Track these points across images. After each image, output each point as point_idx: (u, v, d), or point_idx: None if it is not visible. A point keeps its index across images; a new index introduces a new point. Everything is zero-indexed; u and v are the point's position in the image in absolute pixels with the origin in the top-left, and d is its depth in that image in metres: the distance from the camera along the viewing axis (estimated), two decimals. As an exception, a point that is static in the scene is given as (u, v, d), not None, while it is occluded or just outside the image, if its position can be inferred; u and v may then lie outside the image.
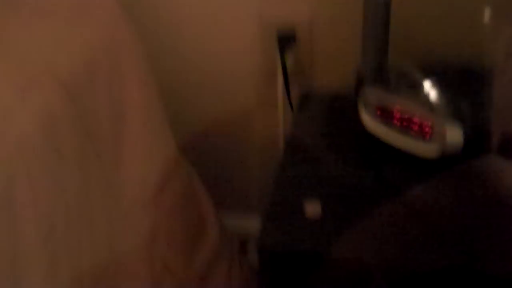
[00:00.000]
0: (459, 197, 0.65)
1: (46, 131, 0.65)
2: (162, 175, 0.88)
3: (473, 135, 0.68)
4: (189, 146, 0.99)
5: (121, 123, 0.79)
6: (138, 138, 0.83)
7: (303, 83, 1.02)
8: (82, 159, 0.71)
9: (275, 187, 0.77)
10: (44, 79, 0.68)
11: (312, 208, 0.71)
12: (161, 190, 0.87)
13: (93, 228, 0.72)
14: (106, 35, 0.82)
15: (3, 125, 0.62)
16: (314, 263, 0.68)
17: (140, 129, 0.83)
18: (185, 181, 0.93)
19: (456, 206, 0.64)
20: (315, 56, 1.01)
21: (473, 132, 0.68)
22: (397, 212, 0.68)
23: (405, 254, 0.64)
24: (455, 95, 0.72)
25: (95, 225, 0.72)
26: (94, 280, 0.70)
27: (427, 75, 0.75)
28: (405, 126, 0.72)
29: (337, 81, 0.97)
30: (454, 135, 0.68)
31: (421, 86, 0.74)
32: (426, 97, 0.72)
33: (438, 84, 0.73)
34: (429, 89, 0.73)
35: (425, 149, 0.71)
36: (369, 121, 0.76)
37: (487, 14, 0.76)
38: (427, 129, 0.70)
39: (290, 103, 1.02)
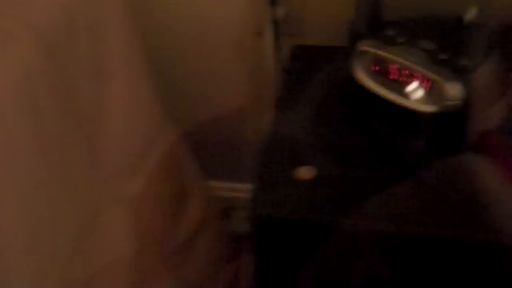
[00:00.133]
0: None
1: (22, 90, 0.60)
2: (146, 139, 0.83)
3: (471, 93, 0.66)
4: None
5: (103, 81, 0.74)
6: (120, 99, 0.78)
7: (294, 38, 0.96)
8: (62, 120, 0.65)
9: (266, 151, 0.73)
10: (20, 32, 0.62)
11: (305, 172, 0.68)
12: (145, 155, 0.83)
13: (76, 196, 0.67)
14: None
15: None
16: (308, 230, 0.67)
17: (123, 89, 0.78)
18: (169, 147, 0.88)
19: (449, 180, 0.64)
20: (307, 9, 0.95)
21: (471, 90, 0.66)
22: (393, 176, 0.66)
23: (398, 220, 0.63)
24: (453, 50, 0.69)
25: (78, 193, 0.68)
26: (75, 246, 0.66)
27: (424, 30, 0.73)
28: (403, 81, 0.69)
29: (330, 35, 0.92)
30: (453, 90, 0.65)
31: (418, 41, 0.71)
32: (423, 52, 0.69)
33: (436, 39, 0.71)
34: (427, 44, 0.70)
35: (423, 104, 0.68)
36: (364, 77, 0.72)
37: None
38: (425, 84, 0.67)
39: (281, 59, 0.97)
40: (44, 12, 0.65)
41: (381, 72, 0.71)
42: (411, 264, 0.63)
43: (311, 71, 0.85)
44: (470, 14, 0.74)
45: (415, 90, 0.68)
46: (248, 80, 1.02)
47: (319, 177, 0.68)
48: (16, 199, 0.57)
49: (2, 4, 0.64)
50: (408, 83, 0.69)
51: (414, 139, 0.70)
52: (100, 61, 0.72)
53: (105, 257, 0.72)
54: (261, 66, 0.99)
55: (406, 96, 0.69)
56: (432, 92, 0.67)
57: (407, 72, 0.68)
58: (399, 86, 0.69)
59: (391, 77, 0.70)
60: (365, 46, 0.72)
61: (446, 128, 0.68)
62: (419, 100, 0.68)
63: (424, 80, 0.67)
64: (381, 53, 0.70)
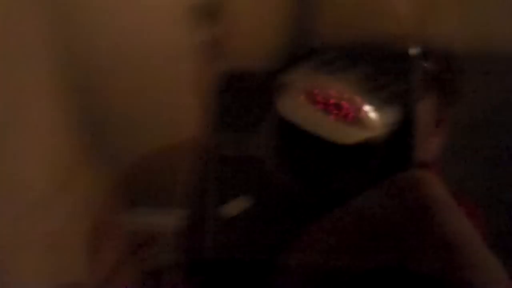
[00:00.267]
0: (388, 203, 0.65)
1: None
2: (64, 175, 0.81)
3: (399, 122, 0.67)
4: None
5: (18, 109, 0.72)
6: (37, 130, 0.76)
7: (221, 63, 0.98)
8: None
9: (194, 190, 0.71)
10: None
11: (233, 207, 0.69)
12: (63, 190, 0.81)
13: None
14: None
15: None
16: (238, 269, 0.65)
17: (41, 123, 0.76)
18: (89, 182, 0.87)
19: (386, 210, 0.64)
20: (236, 33, 0.97)
21: (399, 120, 0.67)
22: (323, 209, 0.67)
23: (330, 254, 0.63)
24: (382, 79, 0.72)
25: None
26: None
27: (356, 58, 0.75)
28: (330, 110, 0.69)
29: (260, 61, 0.94)
30: (383, 119, 0.66)
31: (349, 69, 0.70)
32: (353, 80, 0.72)
33: (368, 67, 0.71)
34: (358, 72, 0.73)
35: (347, 134, 0.69)
36: (288, 106, 0.74)
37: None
38: (354, 113, 0.68)
39: (208, 86, 0.96)
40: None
41: (308, 101, 0.71)
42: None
43: (240, 100, 0.85)
44: (413, 50, 0.76)
45: (340, 118, 0.69)
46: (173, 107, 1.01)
47: (247, 213, 0.68)
48: None
49: None
50: (336, 112, 0.70)
51: (340, 170, 0.73)
52: (18, 90, 0.71)
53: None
54: (186, 92, 0.94)
55: (331, 125, 0.71)
56: (361, 120, 0.69)
57: (335, 101, 0.69)
58: (325, 116, 0.70)
59: (318, 106, 0.70)
60: (294, 74, 0.71)
61: (376, 157, 0.69)
62: (343, 129, 0.69)
63: (353, 109, 0.69)
64: (309, 81, 0.70)
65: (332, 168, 0.73)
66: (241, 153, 0.77)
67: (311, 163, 0.74)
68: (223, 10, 0.94)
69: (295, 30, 0.84)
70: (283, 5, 0.84)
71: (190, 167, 0.80)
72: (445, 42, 0.78)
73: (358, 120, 0.70)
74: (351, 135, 0.70)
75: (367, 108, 0.68)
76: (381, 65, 0.76)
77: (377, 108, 0.67)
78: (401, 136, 0.68)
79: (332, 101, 0.70)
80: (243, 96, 0.86)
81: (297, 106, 0.73)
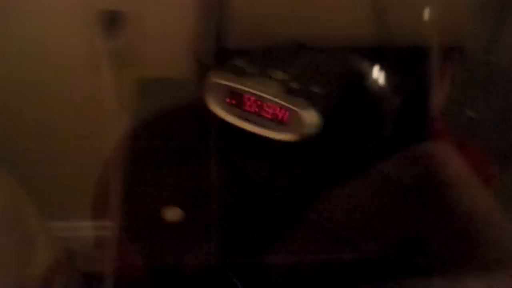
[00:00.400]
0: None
1: None
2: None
3: (329, 117, 0.67)
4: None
5: None
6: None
7: (136, 70, 0.90)
8: None
9: (126, 197, 0.68)
10: None
11: (171, 213, 0.66)
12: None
13: None
14: None
15: None
16: (180, 277, 0.63)
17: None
18: (9, 195, 0.86)
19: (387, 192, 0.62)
20: (149, 39, 0.90)
21: (329, 115, 0.67)
22: (264, 210, 0.65)
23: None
24: (303, 78, 0.69)
25: None
26: None
27: (271, 59, 0.72)
28: (258, 113, 0.68)
29: (175, 67, 0.88)
30: (310, 118, 0.66)
31: (268, 71, 0.70)
32: (275, 81, 0.69)
33: (285, 67, 0.70)
34: (277, 73, 0.70)
35: (282, 133, 0.68)
36: (219, 110, 0.71)
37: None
38: (281, 114, 0.67)
39: (122, 96, 0.89)
40: None
41: (236, 105, 0.69)
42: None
43: (159, 107, 0.79)
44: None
45: (271, 120, 0.68)
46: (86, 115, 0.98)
47: (186, 219, 0.65)
48: None
49: None
50: (263, 114, 0.69)
51: (277, 169, 0.70)
52: None
53: None
54: (99, 102, 0.92)
55: (263, 126, 0.68)
56: (289, 121, 0.67)
57: (262, 103, 0.68)
58: (255, 118, 0.69)
59: (247, 109, 0.69)
60: (216, 78, 0.70)
61: (308, 155, 0.69)
62: (277, 130, 0.68)
63: (279, 110, 0.67)
64: (233, 85, 0.69)
65: (269, 167, 0.70)
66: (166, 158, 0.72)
67: (249, 161, 0.71)
68: (126, 19, 0.88)
69: (208, 33, 0.80)
70: (191, 12, 0.80)
71: (113, 175, 0.78)
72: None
73: (288, 121, 0.68)
74: (284, 135, 0.68)
75: (293, 109, 0.66)
76: (293, 64, 0.73)
77: (302, 109, 0.66)
78: (324, 134, 0.67)
79: (260, 103, 0.68)
80: (163, 103, 0.78)
81: (229, 110, 0.70)
